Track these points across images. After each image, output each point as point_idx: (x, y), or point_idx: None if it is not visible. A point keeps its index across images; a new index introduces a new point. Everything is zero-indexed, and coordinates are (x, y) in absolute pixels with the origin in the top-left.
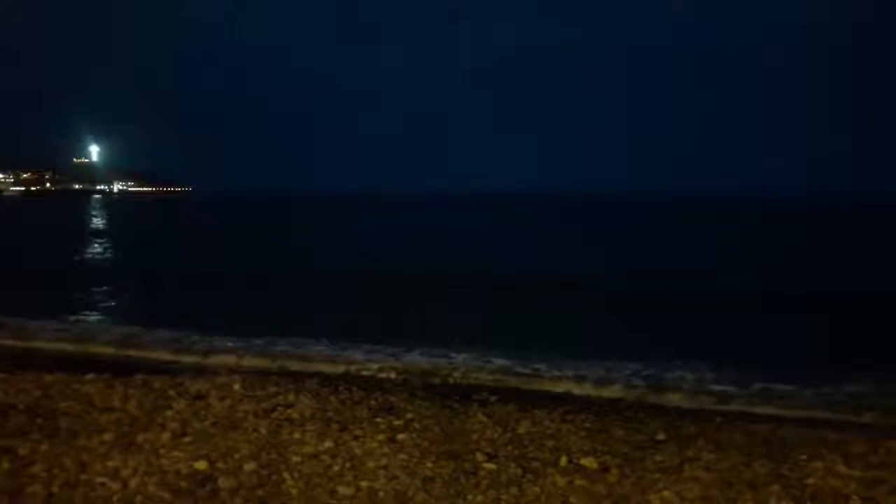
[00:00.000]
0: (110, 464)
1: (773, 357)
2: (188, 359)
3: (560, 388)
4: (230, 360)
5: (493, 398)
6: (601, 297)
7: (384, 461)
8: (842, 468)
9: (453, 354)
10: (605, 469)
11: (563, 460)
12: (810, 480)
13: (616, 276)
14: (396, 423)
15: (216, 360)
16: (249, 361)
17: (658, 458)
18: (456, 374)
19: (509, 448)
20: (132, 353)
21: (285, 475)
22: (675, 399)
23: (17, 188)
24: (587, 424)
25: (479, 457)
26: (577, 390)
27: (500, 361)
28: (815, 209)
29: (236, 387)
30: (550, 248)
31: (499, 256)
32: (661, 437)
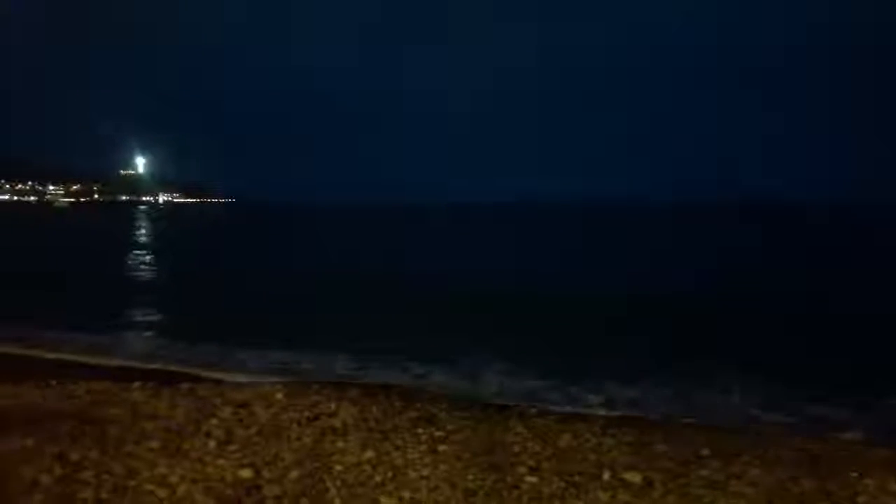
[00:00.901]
0: (157, 471)
1: (811, 372)
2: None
3: (592, 404)
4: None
5: (532, 411)
6: (627, 311)
7: (425, 472)
8: (895, 486)
9: (485, 370)
10: (648, 484)
11: (606, 475)
12: (861, 499)
13: (654, 289)
14: (437, 434)
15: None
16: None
17: (703, 473)
18: (492, 390)
19: (551, 461)
20: (162, 364)
21: (328, 484)
22: (715, 414)
23: (68, 199)
24: (629, 439)
25: (521, 470)
26: (611, 407)
27: (533, 382)
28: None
29: (279, 395)
30: (598, 259)
31: (547, 270)
32: (705, 452)
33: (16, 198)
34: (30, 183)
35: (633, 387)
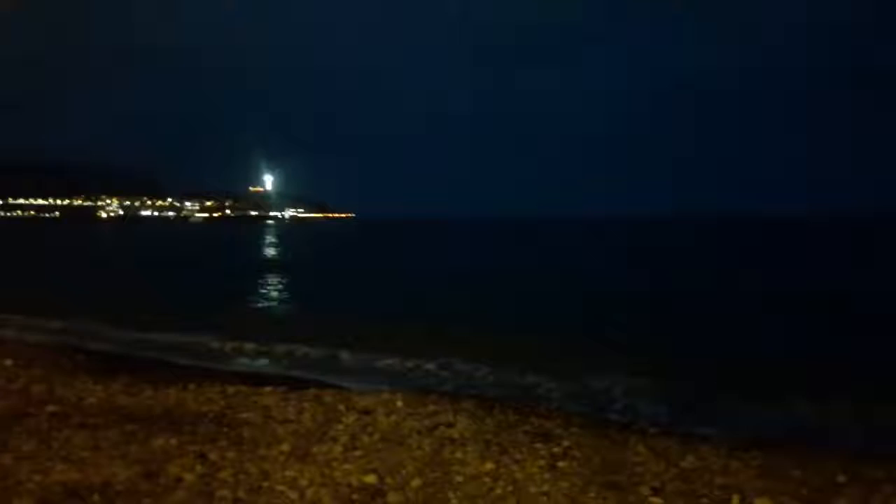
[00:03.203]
0: (288, 473)
1: None
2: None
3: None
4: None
5: (652, 430)
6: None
7: (546, 487)
8: None
9: (609, 389)
10: None
11: (736, 499)
12: None
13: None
14: (555, 450)
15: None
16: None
17: (841, 502)
18: (617, 407)
19: (675, 483)
20: (289, 370)
21: (449, 494)
22: (848, 439)
23: (201, 214)
24: (757, 462)
25: (644, 490)
26: (734, 429)
27: (652, 403)
28: None
29: (399, 403)
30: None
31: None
32: (841, 479)
33: (156, 213)
34: (169, 200)
35: (757, 409)
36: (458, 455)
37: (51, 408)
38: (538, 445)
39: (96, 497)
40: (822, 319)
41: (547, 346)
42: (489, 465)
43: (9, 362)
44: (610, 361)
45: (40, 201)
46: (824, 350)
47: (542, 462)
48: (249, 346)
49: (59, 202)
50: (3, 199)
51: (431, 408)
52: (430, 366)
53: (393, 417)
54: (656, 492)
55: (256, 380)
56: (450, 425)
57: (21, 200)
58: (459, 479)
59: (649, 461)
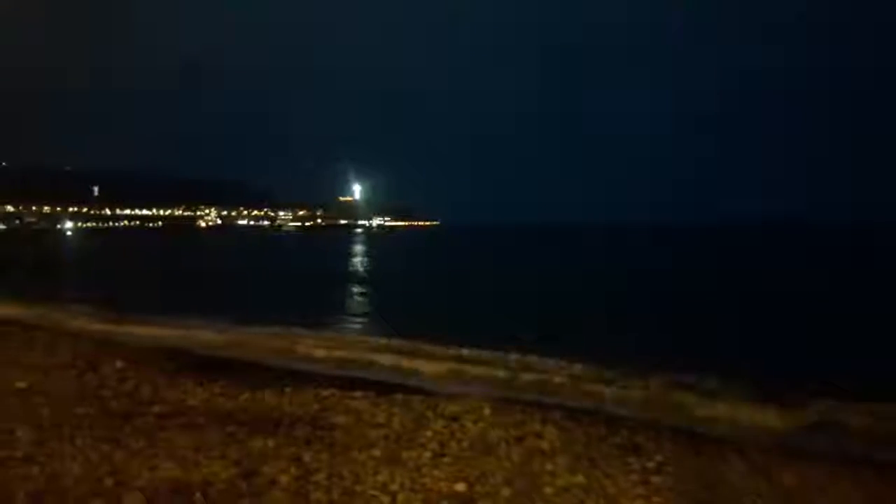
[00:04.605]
0: (380, 477)
1: None
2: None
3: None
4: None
5: (750, 445)
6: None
7: (639, 503)
8: None
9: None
10: None
11: None
12: None
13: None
14: (649, 464)
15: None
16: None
17: None
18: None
19: (776, 502)
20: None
21: None
22: None
23: (294, 223)
24: (866, 482)
25: None
26: (840, 444)
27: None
28: None
29: (486, 411)
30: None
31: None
32: None
33: (251, 223)
34: (264, 210)
35: (868, 424)
36: (548, 466)
37: (157, 408)
38: (630, 459)
39: (198, 495)
40: None
41: (638, 356)
42: (580, 478)
43: (119, 364)
44: (702, 373)
45: (144, 211)
46: None
47: (634, 477)
48: (340, 351)
49: (160, 212)
50: (110, 210)
51: (519, 417)
52: (517, 375)
53: (480, 425)
54: None
55: (347, 383)
56: (539, 436)
57: (127, 211)
58: (549, 490)
59: (747, 477)
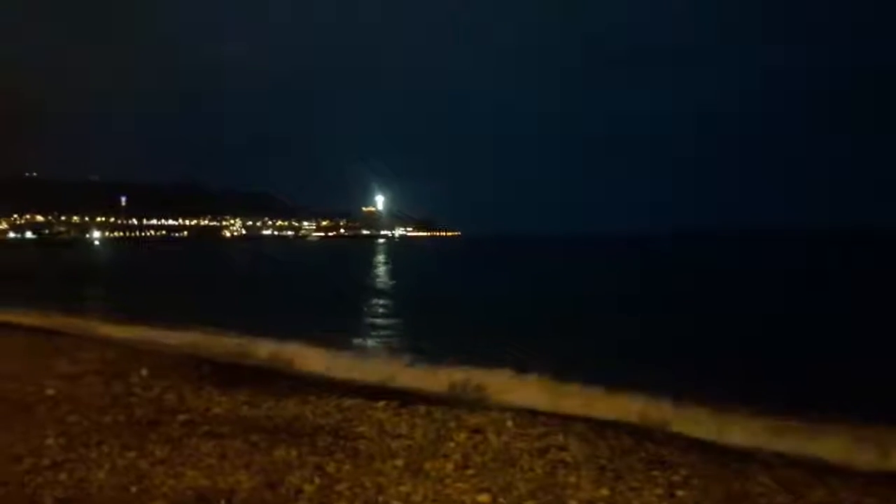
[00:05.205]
0: (402, 488)
1: None
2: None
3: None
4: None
5: (777, 460)
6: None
7: None
8: None
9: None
10: None
11: None
12: None
13: None
14: (674, 478)
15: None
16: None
17: None
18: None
19: None
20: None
21: None
22: None
23: (318, 234)
24: None
25: None
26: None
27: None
28: None
29: (509, 423)
30: None
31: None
32: None
33: (275, 232)
34: (289, 220)
35: None
36: (572, 479)
37: (181, 416)
38: (655, 473)
39: (223, 503)
40: None
41: (665, 371)
42: (604, 491)
43: (144, 372)
44: (729, 388)
45: (171, 221)
46: None
47: (659, 490)
48: (363, 360)
49: (186, 222)
50: (137, 220)
51: (541, 429)
52: (539, 384)
53: (503, 437)
54: None
55: (370, 393)
56: (562, 448)
57: (154, 221)
58: (573, 503)
59: (774, 493)
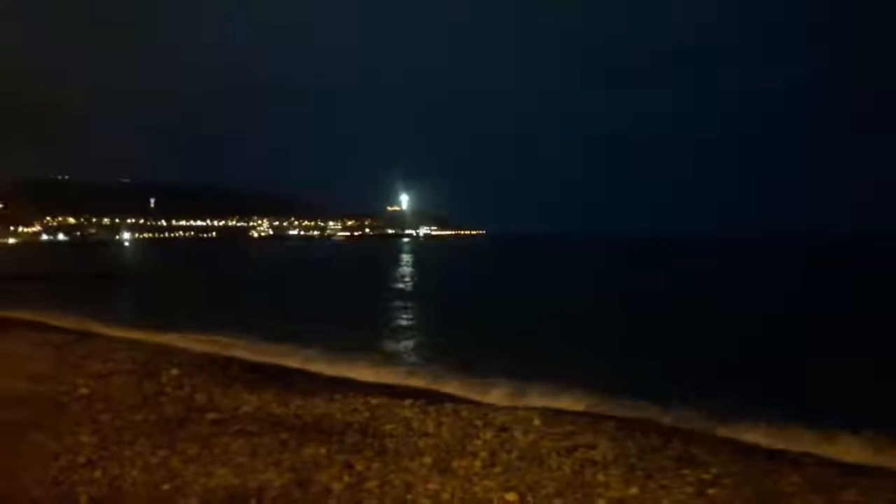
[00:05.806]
0: (431, 486)
1: None
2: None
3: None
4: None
5: (807, 459)
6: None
7: None
8: None
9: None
10: None
11: None
12: None
13: None
14: (704, 476)
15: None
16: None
17: None
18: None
19: None
20: (427, 383)
21: None
22: None
23: (343, 234)
24: None
25: None
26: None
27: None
28: None
29: (536, 421)
30: None
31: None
32: None
33: (301, 233)
34: (315, 220)
35: None
36: (601, 478)
37: (211, 415)
38: (685, 471)
39: (253, 502)
40: None
41: (691, 371)
42: (634, 490)
43: (175, 371)
44: (755, 388)
45: (199, 222)
46: None
47: (689, 489)
48: (389, 361)
49: (215, 223)
50: (166, 221)
51: (569, 428)
52: (562, 385)
53: (531, 436)
54: None
55: (396, 392)
56: (591, 447)
57: (182, 222)
58: (602, 502)
59: (806, 493)
